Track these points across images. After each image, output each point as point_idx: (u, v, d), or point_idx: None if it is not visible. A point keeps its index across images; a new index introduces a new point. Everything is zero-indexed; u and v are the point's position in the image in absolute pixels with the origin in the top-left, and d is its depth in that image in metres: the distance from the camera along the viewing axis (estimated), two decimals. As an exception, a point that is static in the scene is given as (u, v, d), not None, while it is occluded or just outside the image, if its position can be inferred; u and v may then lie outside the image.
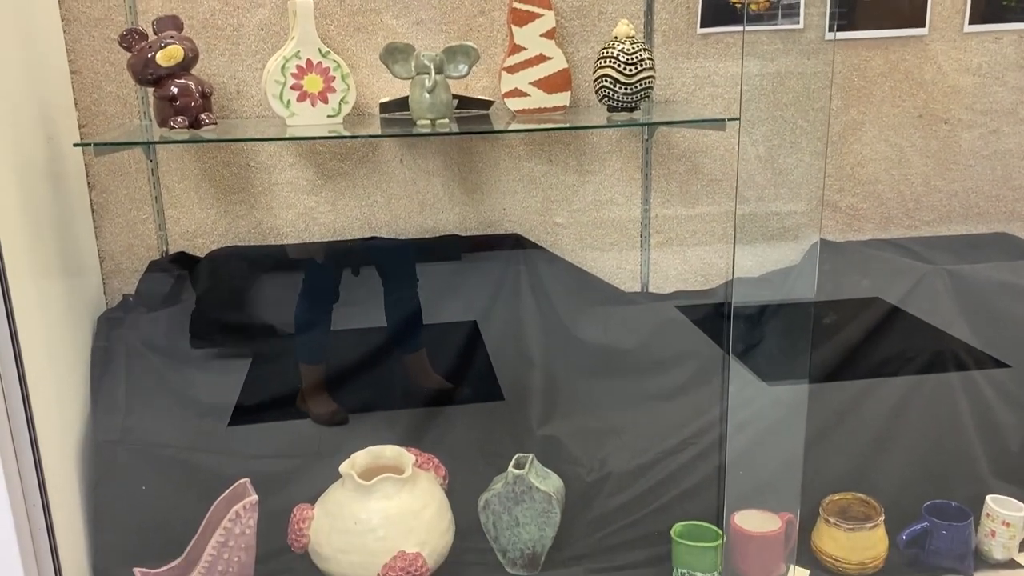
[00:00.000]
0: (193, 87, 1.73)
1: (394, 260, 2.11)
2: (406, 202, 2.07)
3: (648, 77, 1.82)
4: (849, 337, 2.00)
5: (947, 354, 1.97)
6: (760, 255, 2.26)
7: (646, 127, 2.08)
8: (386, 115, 1.94)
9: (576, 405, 2.00)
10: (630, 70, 1.80)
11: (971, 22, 2.16)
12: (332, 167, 2.02)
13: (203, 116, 1.75)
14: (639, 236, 2.19)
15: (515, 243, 2.10)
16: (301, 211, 2.04)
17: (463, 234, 2.10)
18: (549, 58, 1.88)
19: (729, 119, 1.77)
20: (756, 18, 2.09)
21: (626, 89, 1.81)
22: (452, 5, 1.97)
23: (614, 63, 1.81)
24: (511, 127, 1.94)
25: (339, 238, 2.05)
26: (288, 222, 2.04)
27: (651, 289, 2.23)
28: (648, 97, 1.85)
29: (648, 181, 2.16)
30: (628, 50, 1.80)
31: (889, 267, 2.09)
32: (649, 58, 1.82)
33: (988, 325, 2.02)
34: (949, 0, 2.15)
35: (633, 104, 1.84)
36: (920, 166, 2.27)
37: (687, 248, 2.23)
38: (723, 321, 2.15)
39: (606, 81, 1.82)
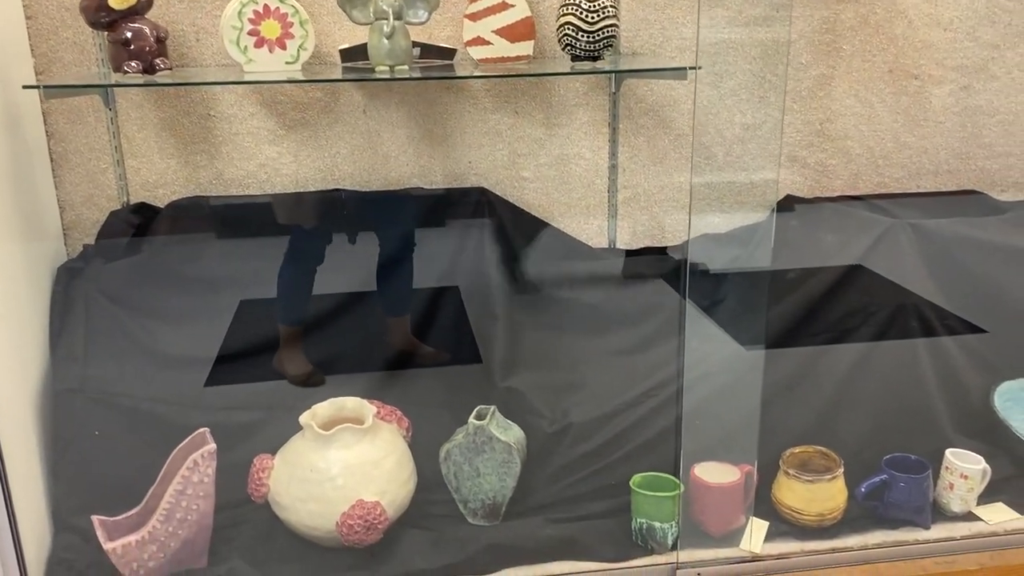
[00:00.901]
0: (147, 31, 1.70)
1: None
2: (369, 153, 2.04)
3: (611, 25, 1.79)
4: (812, 294, 2.01)
5: (910, 310, 1.97)
6: (727, 211, 2.25)
7: (613, 78, 2.06)
8: (347, 63, 1.92)
9: (541, 359, 2.00)
10: (592, 17, 1.77)
11: (943, -25, 2.15)
12: (293, 117, 2.00)
13: (158, 61, 1.72)
14: (606, 191, 2.18)
15: (481, 197, 2.09)
16: (262, 162, 2.01)
17: (428, 187, 2.08)
18: (511, 6, 1.85)
19: (690, 68, 1.75)
20: (725, -31, 2.06)
21: (589, 37, 1.79)
22: (415, -48, 1.94)
23: (576, 10, 1.78)
24: (472, 74, 1.91)
25: (302, 189, 2.03)
26: (250, 173, 2.02)
27: (619, 245, 2.22)
28: (612, 47, 1.83)
29: (615, 135, 2.14)
30: (591, -3, 1.78)
31: (855, 222, 2.08)
32: (612, 6, 1.79)
33: (952, 281, 2.03)
34: (921, -48, 2.13)
35: (596, 53, 1.82)
36: (890, 122, 2.25)
37: (655, 204, 2.22)
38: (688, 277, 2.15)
39: (568, 29, 1.80)
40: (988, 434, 1.99)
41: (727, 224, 2.26)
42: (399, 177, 2.07)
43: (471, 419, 1.82)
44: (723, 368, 1.81)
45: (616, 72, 2.00)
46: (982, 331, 2.08)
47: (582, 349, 2.02)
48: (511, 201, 2.12)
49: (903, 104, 2.24)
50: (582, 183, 2.16)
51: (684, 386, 1.71)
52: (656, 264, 2.17)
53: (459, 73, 1.92)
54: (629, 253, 2.20)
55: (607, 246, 2.21)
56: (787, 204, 2.22)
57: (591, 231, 2.21)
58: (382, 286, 2.08)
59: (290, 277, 2.03)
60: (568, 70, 1.86)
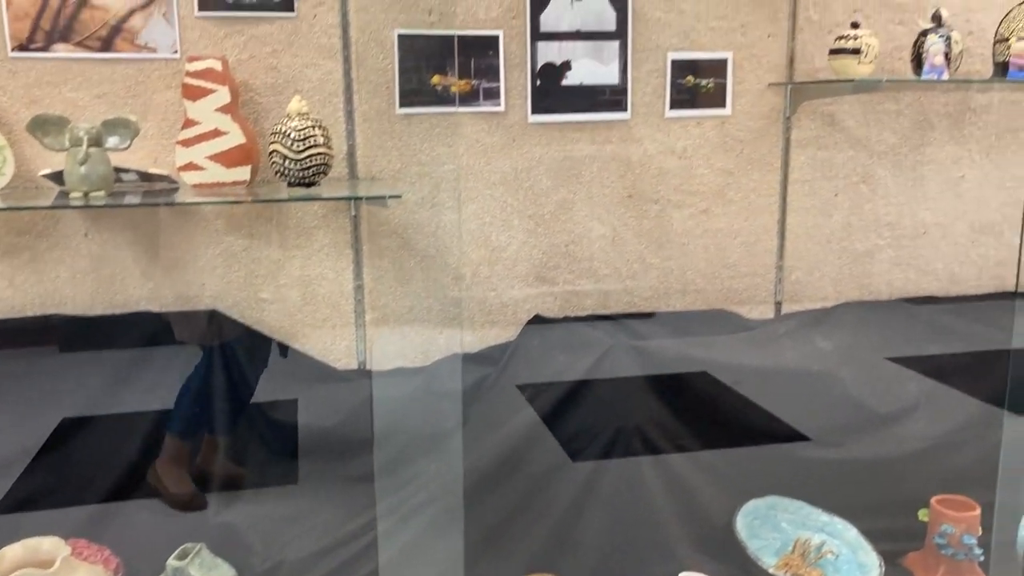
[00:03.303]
0: None
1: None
2: (93, 277, 1.99)
3: (320, 154, 1.82)
4: (543, 412, 2.01)
5: (635, 430, 1.99)
6: (478, 330, 2.26)
7: (352, 202, 2.09)
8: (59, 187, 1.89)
9: (263, 490, 1.93)
10: (298, 147, 1.80)
11: (671, 107, 2.27)
12: (9, 242, 1.94)
13: None
14: (352, 312, 2.17)
15: (213, 319, 2.04)
16: (-27, 287, 1.94)
17: (157, 310, 2.03)
18: (225, 132, 1.87)
19: (390, 196, 1.78)
20: (460, 99, 2.14)
21: (297, 165, 1.81)
22: (136, 79, 1.95)
23: (284, 140, 1.80)
24: (175, 201, 1.88)
25: (17, 315, 1.95)
26: (-40, 298, 1.94)
27: (370, 366, 2.20)
28: (325, 173, 1.85)
29: (360, 256, 2.14)
30: (298, 127, 1.80)
31: (586, 342, 2.12)
32: (321, 135, 1.83)
33: (681, 400, 2.06)
34: (650, 87, 2.26)
35: (309, 180, 1.84)
36: (635, 244, 2.33)
37: (406, 324, 2.22)
38: (434, 399, 2.13)
39: (276, 157, 1.82)
40: (727, 555, 1.99)
41: (479, 343, 2.27)
42: (125, 300, 2.02)
43: (170, 560, 1.72)
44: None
45: (321, 199, 2.00)
46: (724, 447, 2.12)
47: (312, 477, 1.95)
48: (247, 323, 2.09)
49: (646, 227, 2.33)
50: (327, 304, 2.15)
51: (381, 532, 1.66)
52: (405, 384, 2.15)
53: (180, 198, 1.91)
54: (379, 375, 2.17)
55: (356, 367, 2.19)
56: (535, 323, 2.25)
57: (338, 352, 2.17)
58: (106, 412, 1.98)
59: None
60: (286, 196, 1.87)
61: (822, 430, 2.15)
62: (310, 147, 1.81)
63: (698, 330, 2.31)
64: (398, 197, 1.75)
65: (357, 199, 1.98)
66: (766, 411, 2.18)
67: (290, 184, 1.86)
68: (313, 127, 1.82)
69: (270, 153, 1.82)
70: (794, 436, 2.15)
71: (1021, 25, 2.24)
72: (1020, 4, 2.33)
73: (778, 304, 2.46)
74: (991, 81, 2.35)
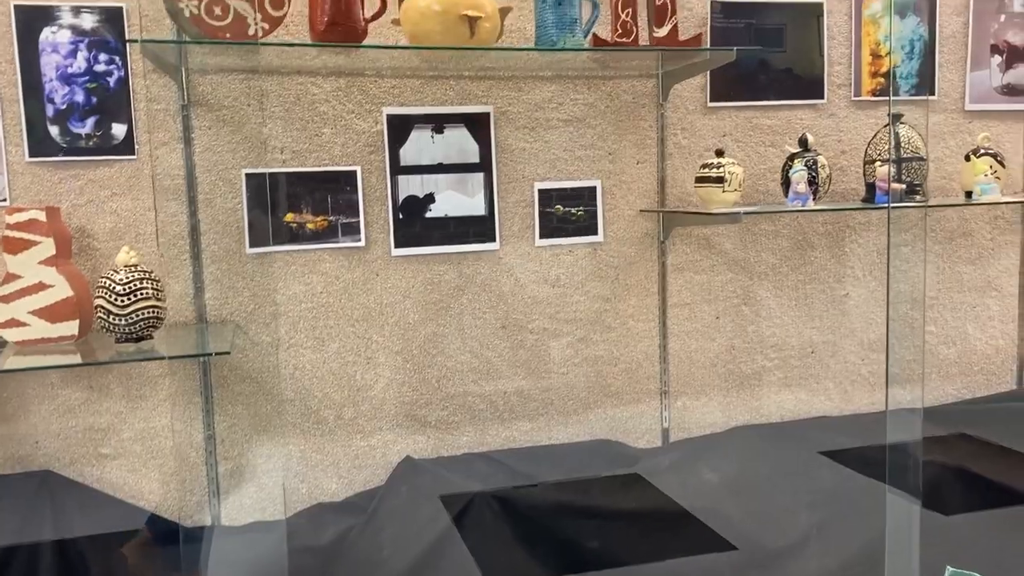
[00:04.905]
0: None
1: None
2: (-92, 442, 1.84)
3: (149, 307, 1.71)
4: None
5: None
6: (343, 476, 2.13)
7: (202, 347, 1.98)
8: None
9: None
10: (123, 301, 1.69)
11: (542, 236, 2.22)
12: None
13: None
14: (203, 464, 2.03)
15: (45, 480, 1.89)
16: None
17: (-18, 474, 1.88)
18: (50, 286, 1.75)
19: (218, 353, 1.67)
20: (315, 236, 2.06)
21: (124, 320, 1.70)
22: (-40, 230, 1.85)
23: (108, 295, 1.70)
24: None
25: None
26: None
27: (223, 521, 2.04)
28: (156, 326, 1.74)
29: (210, 405, 2.02)
30: (124, 280, 1.70)
31: (461, 487, 1.99)
32: (152, 287, 1.72)
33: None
34: (518, 217, 2.21)
35: (137, 335, 1.73)
36: (511, 376, 2.24)
37: (262, 474, 2.08)
38: (293, 553, 1.98)
39: (100, 312, 1.70)
40: None
41: (345, 490, 2.14)
42: (-55, 465, 1.86)
43: None
44: None
45: (149, 359, 1.85)
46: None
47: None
48: (85, 483, 1.93)
49: (522, 358, 2.24)
50: (175, 458, 2.01)
51: None
52: (259, 540, 2.00)
53: (5, 356, 1.78)
54: (231, 531, 2.02)
55: (209, 523, 2.03)
56: (406, 466, 2.12)
57: (189, 507, 2.02)
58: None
59: None
60: (115, 352, 1.75)
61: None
62: (137, 300, 1.71)
63: (582, 465, 2.21)
64: (227, 354, 1.65)
65: (171, 358, 1.85)
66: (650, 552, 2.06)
67: (117, 340, 1.74)
68: (142, 279, 1.72)
69: (95, 308, 1.72)
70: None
71: (889, 149, 2.25)
72: (886, 126, 2.35)
73: (665, 431, 2.37)
74: (851, 208, 2.34)
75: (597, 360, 2.30)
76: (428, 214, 2.14)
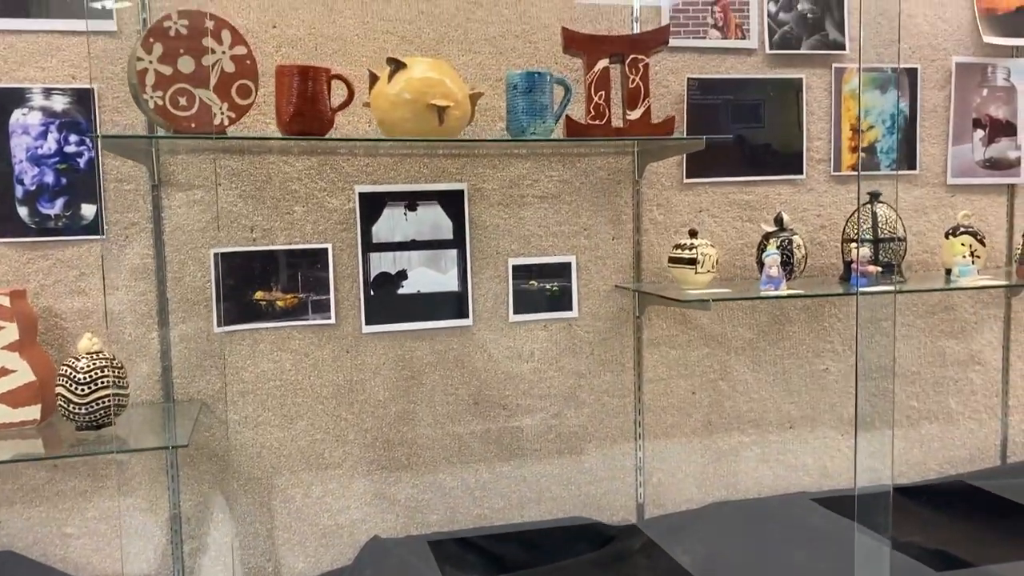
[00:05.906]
0: None
1: None
2: None
3: (111, 395, 1.70)
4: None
5: None
6: (310, 556, 2.11)
7: (168, 430, 1.96)
8: None
9: None
10: (84, 390, 1.68)
11: (515, 312, 2.21)
12: None
13: None
14: (168, 543, 2.01)
15: (6, 562, 1.87)
16: None
17: (-59, 556, 1.86)
18: (12, 371, 1.75)
19: (172, 447, 1.66)
20: (285, 314, 2.05)
21: (84, 409, 1.68)
22: (-74, 310, 1.84)
23: (69, 383, 1.69)
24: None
25: None
26: None
27: (188, 601, 2.03)
28: (118, 413, 1.74)
29: (176, 484, 2.00)
30: (85, 368, 1.69)
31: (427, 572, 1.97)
32: (114, 375, 1.71)
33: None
34: (492, 292, 2.19)
35: (98, 422, 1.71)
36: (483, 453, 2.22)
37: (226, 553, 2.06)
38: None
39: (61, 400, 1.70)
40: None
41: (312, 569, 2.11)
42: (-95, 547, 1.85)
43: None
44: None
45: (102, 452, 1.78)
46: None
47: None
48: (49, 563, 1.92)
49: (494, 434, 2.22)
50: (140, 537, 1.99)
51: None
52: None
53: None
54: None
55: (174, 604, 2.02)
56: (375, 545, 2.10)
57: (154, 588, 2.01)
58: None
59: None
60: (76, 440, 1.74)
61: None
62: (98, 389, 1.69)
63: (556, 547, 2.18)
64: (185, 447, 1.63)
65: (125, 451, 1.83)
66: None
67: (78, 428, 1.73)
68: (103, 367, 1.71)
69: (56, 395, 1.71)
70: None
71: (865, 228, 2.23)
72: (865, 204, 2.33)
73: (640, 507, 2.34)
74: (820, 296, 2.33)
75: (571, 436, 2.28)
76: (400, 291, 2.13)
